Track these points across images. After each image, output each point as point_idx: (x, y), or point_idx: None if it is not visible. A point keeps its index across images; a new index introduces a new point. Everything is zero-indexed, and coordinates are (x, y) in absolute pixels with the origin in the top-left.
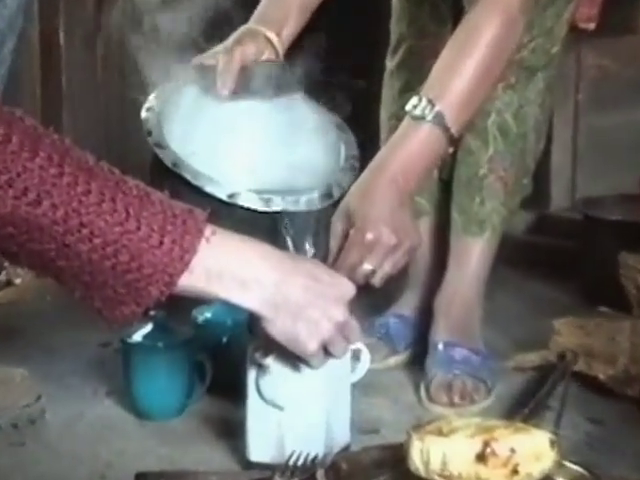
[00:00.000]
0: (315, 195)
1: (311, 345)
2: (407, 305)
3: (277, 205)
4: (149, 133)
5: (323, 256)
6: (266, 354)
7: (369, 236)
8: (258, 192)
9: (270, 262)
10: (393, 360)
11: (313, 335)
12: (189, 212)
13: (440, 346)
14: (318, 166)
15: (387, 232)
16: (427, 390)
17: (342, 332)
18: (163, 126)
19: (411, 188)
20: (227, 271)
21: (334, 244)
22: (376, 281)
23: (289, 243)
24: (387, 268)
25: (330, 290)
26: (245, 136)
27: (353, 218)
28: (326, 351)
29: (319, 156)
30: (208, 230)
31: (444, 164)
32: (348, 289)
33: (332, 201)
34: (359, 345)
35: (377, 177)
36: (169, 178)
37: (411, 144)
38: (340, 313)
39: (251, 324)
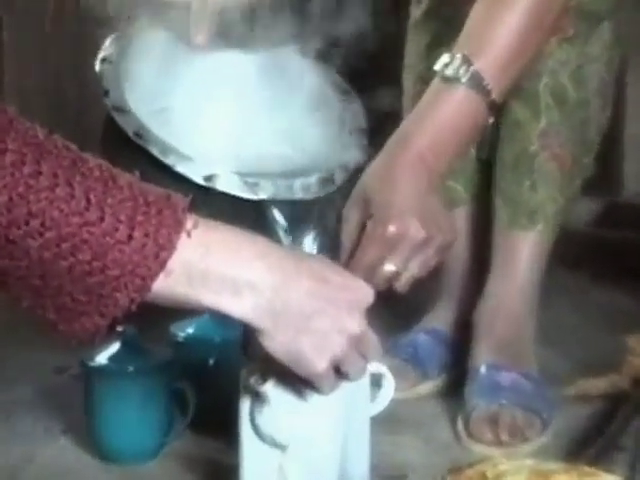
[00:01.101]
0: (313, 179)
1: (320, 364)
2: (440, 318)
3: (265, 191)
4: (105, 93)
5: (331, 255)
6: (264, 379)
7: (391, 229)
8: (242, 174)
9: (268, 261)
10: (423, 387)
11: (322, 352)
12: (166, 199)
13: (482, 369)
14: (316, 142)
15: (414, 224)
16: (466, 425)
17: (358, 348)
18: (123, 83)
19: (442, 169)
20: (214, 272)
21: (347, 240)
22: (400, 286)
23: (282, 239)
24: (414, 269)
25: (343, 295)
26: (224, 100)
27: (371, 207)
28: (339, 372)
29: (318, 129)
30: (190, 221)
31: (484, 139)
32: (365, 294)
33: (334, 187)
34: (380, 368)
35: (400, 155)
36: (128, 152)
37: (442, 113)
38: (355, 324)
39: (244, 340)
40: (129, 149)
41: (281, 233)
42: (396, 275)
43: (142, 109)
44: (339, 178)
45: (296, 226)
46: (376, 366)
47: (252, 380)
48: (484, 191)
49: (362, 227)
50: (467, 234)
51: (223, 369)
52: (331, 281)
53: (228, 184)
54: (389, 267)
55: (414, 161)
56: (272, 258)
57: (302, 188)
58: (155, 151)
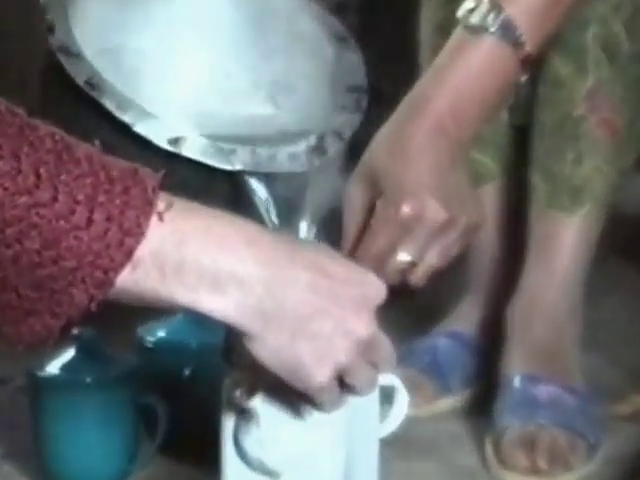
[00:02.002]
0: (300, 148)
1: (320, 375)
2: (464, 319)
3: (243, 161)
4: (50, 29)
5: (330, 243)
6: (251, 392)
7: (405, 210)
8: (215, 138)
9: (257, 250)
10: (444, 403)
11: (323, 360)
12: (133, 174)
13: (516, 381)
14: (305, 101)
15: (432, 204)
16: (497, 449)
17: (367, 356)
18: (71, 19)
19: (467, 138)
20: (191, 264)
21: (351, 224)
22: (416, 279)
23: (268, 222)
24: (432, 259)
25: (348, 291)
26: (194, 45)
27: (380, 183)
28: (343, 385)
29: (307, 85)
30: (162, 202)
31: (517, 102)
32: (375, 290)
33: (326, 158)
34: (392, 379)
35: (415, 121)
36: (74, 105)
37: (465, 69)
38: (363, 326)
39: (227, 346)
40: (76, 101)
41: (266, 215)
42: (411, 266)
43: (93, 49)
44: (332, 147)
45: (284, 206)
46: (387, 378)
47: (237, 394)
48: (518, 165)
49: (369, 209)
50: (497, 216)
51: (201, 380)
52: (334, 274)
53: (197, 150)
54: (403, 256)
55: (432, 128)
56: (262, 246)
57: (288, 158)
58: (110, 105)
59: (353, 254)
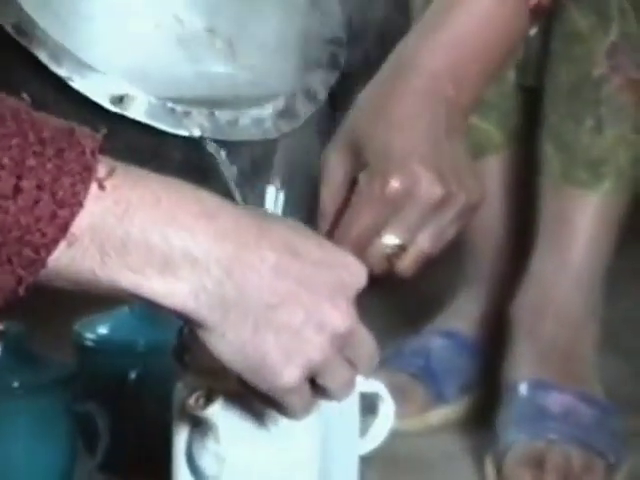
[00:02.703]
0: (267, 111)
1: (288, 375)
2: (462, 315)
3: (200, 126)
4: None
5: (305, 219)
6: (208, 398)
7: (394, 185)
8: (165, 99)
9: (216, 225)
10: (437, 414)
11: (292, 357)
12: (68, 134)
13: (522, 389)
14: (272, 55)
15: (426, 178)
16: (499, 468)
17: (344, 353)
18: None
19: (467, 100)
20: (137, 240)
21: (329, 200)
22: (405, 266)
23: (231, 195)
24: (425, 243)
25: (323, 275)
26: None
27: (364, 153)
28: (315, 387)
29: (274, 36)
30: (103, 167)
31: (527, 58)
32: (356, 274)
33: (297, 124)
34: (376, 385)
35: (405, 81)
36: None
37: (466, 19)
38: (340, 317)
39: (180, 343)
40: (0, 48)
41: (230, 186)
42: (399, 251)
43: None
44: (304, 110)
45: (249, 177)
46: (369, 383)
47: (191, 400)
48: (526, 133)
49: (350, 182)
50: (501, 194)
51: (150, 386)
52: (306, 255)
53: (146, 111)
54: (389, 239)
55: (426, 89)
56: (222, 221)
57: (252, 123)
58: (42, 55)
59: (331, 235)
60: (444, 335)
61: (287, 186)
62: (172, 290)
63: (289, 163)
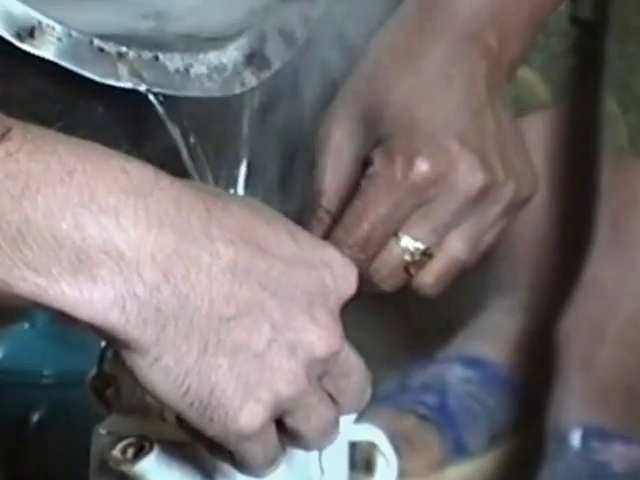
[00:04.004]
0: (228, 57)
1: (246, 414)
2: (491, 336)
3: (137, 74)
4: None
5: (286, 205)
6: (139, 449)
7: (422, 167)
8: (91, 35)
9: (152, 207)
10: (456, 472)
11: (251, 389)
12: None
13: (574, 439)
14: None
15: (466, 160)
16: None
17: (324, 384)
18: None
19: (513, 55)
20: (40, 228)
21: (329, 184)
22: (430, 279)
23: (187, 170)
24: (458, 248)
25: (297, 277)
26: None
27: (380, 124)
28: (284, 431)
29: None
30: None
31: None
32: (342, 276)
33: (268, 73)
34: (372, 432)
35: (436, 26)
36: None
37: None
38: (320, 335)
39: (101, 373)
40: None
41: (184, 158)
42: (423, 258)
43: None
44: (277, 56)
45: (204, 148)
46: (363, 428)
47: (116, 452)
48: (583, 85)
49: (361, 163)
50: (546, 169)
51: (58, 430)
52: (274, 249)
53: (64, 51)
54: (410, 241)
55: (462, 38)
56: (158, 201)
57: (209, 73)
58: None
59: (328, 233)
60: (466, 363)
61: (260, 163)
62: (88, 297)
63: (261, 130)
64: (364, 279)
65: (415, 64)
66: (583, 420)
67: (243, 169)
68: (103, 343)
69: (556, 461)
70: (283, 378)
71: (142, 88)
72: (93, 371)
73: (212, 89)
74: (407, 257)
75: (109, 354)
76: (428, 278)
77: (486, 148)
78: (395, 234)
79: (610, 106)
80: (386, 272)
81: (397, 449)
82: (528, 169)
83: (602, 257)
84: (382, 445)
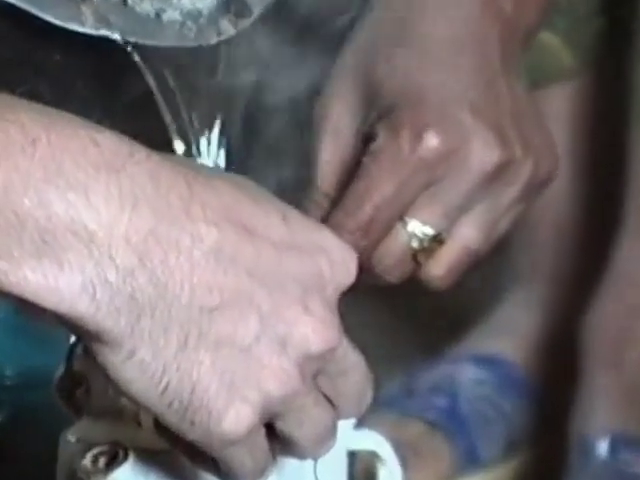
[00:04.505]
0: (204, 3)
1: (231, 416)
2: (507, 333)
3: (103, 19)
4: None
5: (273, 178)
6: (112, 457)
7: (431, 142)
8: None
9: (125, 183)
10: None
11: (237, 388)
12: None
13: (601, 447)
14: None
15: (481, 135)
16: None
17: (320, 383)
18: None
19: (530, 22)
20: (2, 206)
21: (327, 161)
22: (440, 269)
23: (173, 134)
24: (472, 234)
25: (290, 262)
26: None
27: (384, 95)
28: (274, 437)
29: None
30: None
31: None
32: (340, 262)
33: (249, 22)
34: (375, 440)
35: None
36: None
37: None
38: (315, 328)
39: (70, 372)
40: None
41: (166, 121)
42: (433, 245)
43: None
44: (259, 3)
45: (183, 102)
46: (364, 435)
47: (87, 461)
48: (611, 52)
49: (364, 138)
50: (569, 148)
51: (21, 435)
52: (263, 232)
53: None
54: (418, 226)
55: (471, 3)
56: (132, 175)
57: (183, 21)
58: None
59: (326, 218)
60: (479, 362)
61: (240, 130)
62: (54, 283)
63: (242, 91)
64: (365, 269)
65: (420, 29)
66: (611, 427)
67: (217, 127)
68: (72, 338)
69: (580, 473)
70: (273, 376)
71: (108, 33)
72: (61, 369)
73: (187, 37)
74: (415, 244)
75: (79, 350)
76: (438, 270)
77: (502, 121)
78: (401, 218)
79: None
80: (391, 261)
81: (402, 459)
82: (548, 146)
83: (632, 244)
84: (385, 454)
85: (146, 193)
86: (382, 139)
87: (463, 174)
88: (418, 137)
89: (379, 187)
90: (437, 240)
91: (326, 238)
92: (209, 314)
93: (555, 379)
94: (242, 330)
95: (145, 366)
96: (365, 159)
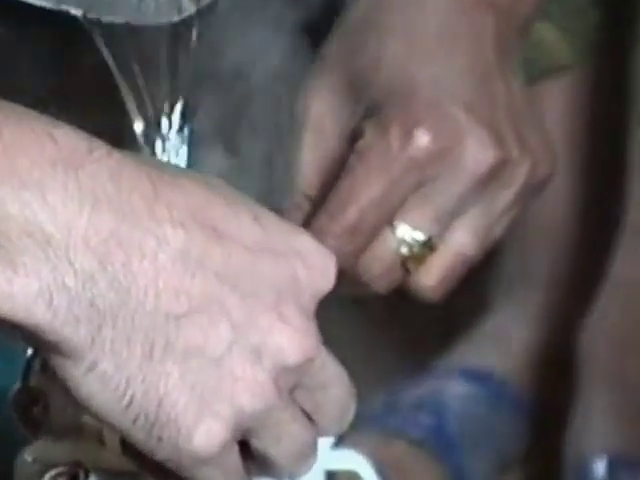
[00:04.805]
0: None
1: (201, 433)
2: (498, 345)
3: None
4: None
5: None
6: (70, 476)
7: (422, 140)
8: None
9: (82, 180)
10: None
11: (208, 403)
12: None
13: (598, 468)
14: None
15: (475, 133)
16: None
17: (297, 397)
18: None
19: (527, 10)
20: None
21: (310, 161)
22: (431, 278)
23: (135, 124)
24: (465, 239)
25: (264, 267)
26: None
27: (371, 89)
28: (249, 455)
29: None
30: None
31: None
32: (318, 267)
33: (212, 3)
34: (353, 459)
35: None
36: None
37: None
38: (291, 337)
39: (27, 388)
40: None
41: (131, 105)
42: (424, 251)
43: None
44: None
45: (145, 86)
46: (344, 455)
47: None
48: (611, 44)
49: (349, 136)
50: (566, 145)
51: None
52: (234, 234)
53: None
54: (408, 231)
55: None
56: (92, 173)
57: None
58: None
59: (307, 218)
60: (468, 376)
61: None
62: (8, 289)
63: (206, 72)
64: (351, 278)
65: (410, 19)
66: (609, 447)
67: (179, 109)
68: (29, 351)
69: None
70: (246, 389)
71: (68, 8)
72: (17, 385)
73: (145, 14)
74: (404, 250)
75: (36, 364)
76: (428, 279)
77: (497, 120)
78: (390, 222)
79: None
80: (379, 269)
81: (385, 479)
82: (545, 146)
83: (632, 250)
84: (366, 475)
85: (107, 192)
86: (369, 136)
87: (456, 175)
88: (408, 134)
89: (366, 188)
90: (428, 246)
91: (303, 241)
92: (176, 322)
93: (549, 394)
94: (212, 339)
95: (107, 379)
96: (351, 158)
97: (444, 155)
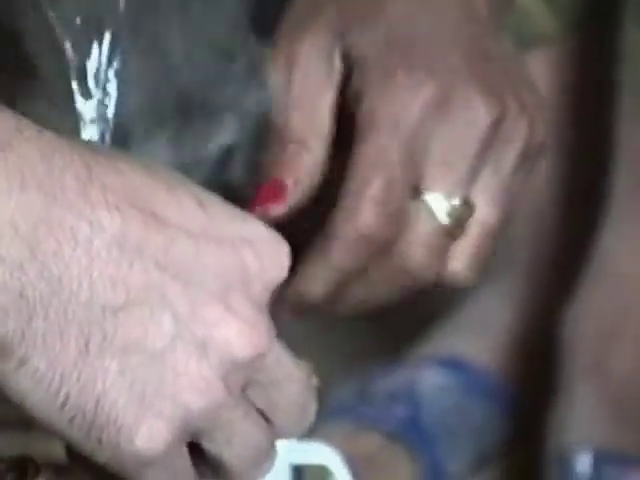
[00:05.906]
0: None
1: (144, 433)
2: (477, 333)
3: None
4: None
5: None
6: (19, 471)
7: (430, 89)
8: None
9: (10, 161)
10: None
11: (151, 401)
12: None
13: (582, 463)
14: None
15: (478, 84)
16: None
17: (250, 394)
18: None
19: None
20: None
21: (298, 123)
22: (466, 259)
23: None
24: (487, 205)
25: (209, 254)
26: None
27: (360, 46)
28: (200, 457)
29: None
30: None
31: None
32: (269, 255)
33: None
34: (322, 453)
35: None
36: None
37: None
38: (240, 329)
39: None
40: None
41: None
42: (463, 215)
43: None
44: None
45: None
46: (313, 449)
47: None
48: (598, 14)
49: (336, 109)
50: (552, 121)
51: None
52: (177, 220)
53: None
54: (440, 200)
55: None
56: (21, 154)
57: None
58: None
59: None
60: (445, 365)
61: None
62: None
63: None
64: (394, 271)
65: None
66: (594, 440)
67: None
68: None
69: None
70: (191, 386)
71: None
72: None
73: None
74: (444, 220)
75: None
76: (461, 263)
77: (493, 76)
78: (417, 198)
79: (634, 39)
80: (422, 250)
81: (355, 474)
82: (540, 109)
83: (618, 235)
84: (335, 469)
85: (37, 174)
86: (374, 92)
87: (467, 128)
88: (416, 83)
89: (384, 152)
90: (468, 204)
91: (252, 228)
92: (113, 314)
93: (530, 384)
94: (153, 332)
95: (40, 376)
96: (359, 121)
97: (448, 103)
